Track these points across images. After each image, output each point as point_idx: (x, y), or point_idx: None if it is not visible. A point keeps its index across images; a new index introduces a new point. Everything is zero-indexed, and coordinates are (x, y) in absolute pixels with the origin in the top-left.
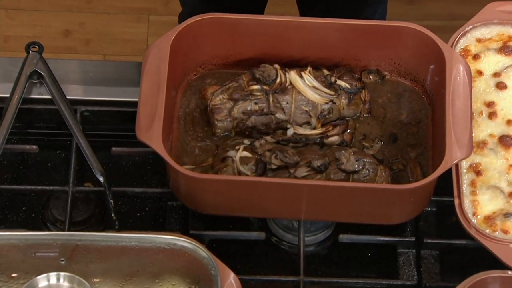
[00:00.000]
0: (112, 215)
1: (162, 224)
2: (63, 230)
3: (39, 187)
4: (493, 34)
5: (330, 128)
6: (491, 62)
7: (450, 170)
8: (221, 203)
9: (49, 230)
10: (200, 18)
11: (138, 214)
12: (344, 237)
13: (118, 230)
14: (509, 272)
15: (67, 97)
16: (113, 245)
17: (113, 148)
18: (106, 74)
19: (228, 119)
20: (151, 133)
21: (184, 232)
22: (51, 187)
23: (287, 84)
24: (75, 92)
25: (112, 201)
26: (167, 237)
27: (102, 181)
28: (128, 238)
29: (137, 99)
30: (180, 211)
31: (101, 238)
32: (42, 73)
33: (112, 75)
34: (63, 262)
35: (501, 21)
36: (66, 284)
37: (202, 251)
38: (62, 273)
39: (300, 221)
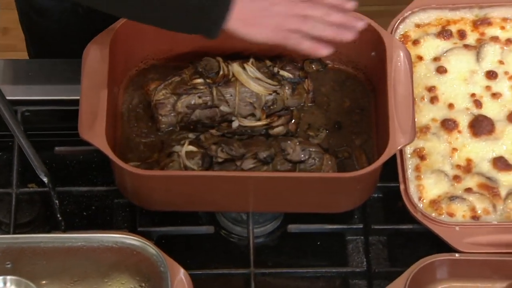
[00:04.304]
0: (58, 215)
1: (110, 223)
2: (8, 233)
3: None
4: (431, 19)
5: (275, 118)
6: (430, 47)
7: (394, 156)
8: (168, 199)
9: None
10: None
11: (84, 213)
12: (292, 227)
13: (65, 231)
14: (456, 254)
15: (7, 98)
16: (59, 246)
17: (56, 148)
18: (46, 73)
19: (172, 114)
20: (94, 131)
21: (132, 230)
22: None
23: (230, 76)
24: (14, 92)
25: (57, 201)
26: (115, 235)
27: (46, 182)
28: (75, 239)
29: (79, 97)
30: (127, 209)
31: (47, 240)
32: None
33: (52, 73)
34: (9, 266)
35: (439, 6)
36: (13, 287)
37: (151, 248)
38: (8, 277)
39: (248, 213)
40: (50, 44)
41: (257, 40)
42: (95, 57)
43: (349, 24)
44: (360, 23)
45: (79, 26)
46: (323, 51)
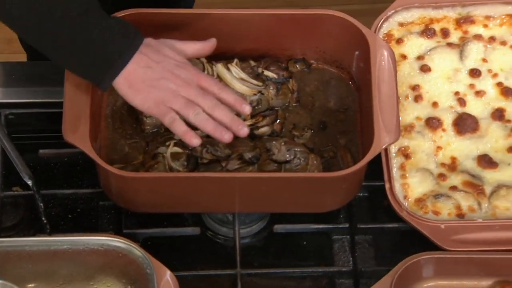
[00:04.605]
0: (43, 218)
1: (95, 225)
2: None
3: None
4: (414, 17)
5: (260, 119)
6: (414, 45)
7: (379, 155)
8: (153, 200)
9: None
10: (122, 14)
11: (69, 216)
12: (279, 227)
13: (50, 234)
14: (442, 253)
15: None
16: (45, 250)
17: (41, 150)
18: (29, 75)
19: None
20: (79, 134)
21: (118, 232)
22: None
23: (215, 77)
24: None
25: (42, 204)
26: (100, 238)
27: (30, 185)
28: (60, 242)
29: (62, 100)
30: (113, 211)
31: (33, 243)
32: None
33: (36, 75)
34: None
35: (422, 4)
36: None
37: (137, 250)
38: None
39: (234, 214)
40: None
41: (137, 106)
42: None
43: (233, 126)
44: (243, 131)
45: None
46: (193, 141)
